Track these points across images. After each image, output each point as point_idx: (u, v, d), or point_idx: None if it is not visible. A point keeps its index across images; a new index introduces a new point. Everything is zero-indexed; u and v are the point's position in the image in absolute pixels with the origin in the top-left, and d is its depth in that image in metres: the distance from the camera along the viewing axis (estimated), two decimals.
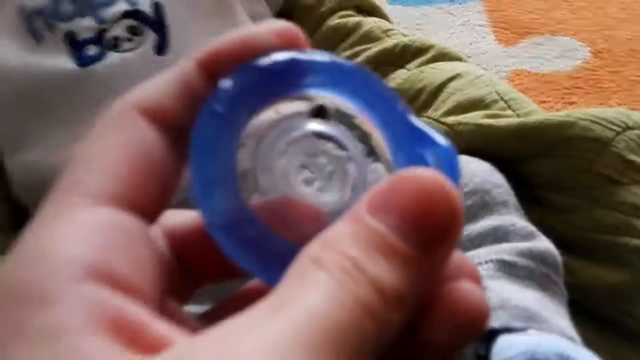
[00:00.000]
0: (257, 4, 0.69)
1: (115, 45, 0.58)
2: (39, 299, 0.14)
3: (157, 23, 0.59)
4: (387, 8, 1.05)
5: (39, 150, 0.57)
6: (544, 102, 0.86)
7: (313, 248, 0.15)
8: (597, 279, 0.50)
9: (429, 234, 0.15)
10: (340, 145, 0.19)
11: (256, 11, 0.68)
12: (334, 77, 0.19)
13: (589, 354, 0.40)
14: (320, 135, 0.19)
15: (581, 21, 0.99)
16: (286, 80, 0.18)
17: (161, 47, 0.58)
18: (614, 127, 0.51)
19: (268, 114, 0.18)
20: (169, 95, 0.18)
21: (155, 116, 0.18)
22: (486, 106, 0.56)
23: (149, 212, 0.17)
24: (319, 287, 0.14)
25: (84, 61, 0.57)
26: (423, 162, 0.18)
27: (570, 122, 0.51)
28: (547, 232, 0.50)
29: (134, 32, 0.58)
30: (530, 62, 0.93)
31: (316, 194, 0.19)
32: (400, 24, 1.02)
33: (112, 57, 0.57)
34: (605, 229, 0.50)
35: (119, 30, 0.58)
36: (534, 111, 0.56)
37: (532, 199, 0.53)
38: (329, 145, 0.19)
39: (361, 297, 0.14)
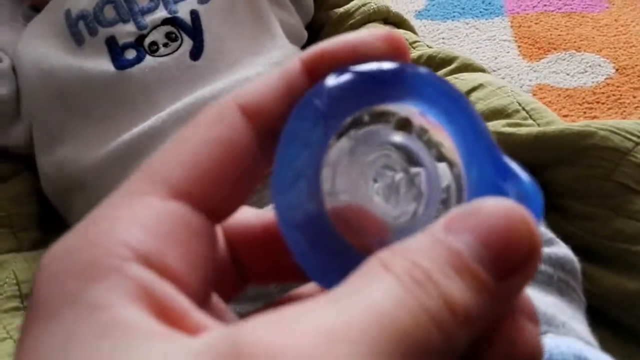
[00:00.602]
0: (289, 15, 0.71)
1: (152, 49, 0.61)
2: (93, 276, 0.15)
3: (193, 30, 0.61)
4: (413, 22, 1.07)
5: (72, 148, 0.59)
6: (566, 116, 0.87)
7: (384, 254, 0.15)
8: (615, 287, 0.51)
9: (506, 263, 0.15)
10: (418, 162, 0.19)
11: (287, 22, 0.70)
12: (430, 94, 0.19)
13: (606, 356, 0.41)
14: (399, 148, 0.19)
15: (605, 38, 1.00)
16: (385, 89, 0.18)
17: (196, 53, 0.61)
18: (633, 138, 0.52)
19: (359, 119, 0.19)
20: (271, 94, 0.18)
21: (255, 114, 0.18)
22: (508, 115, 0.58)
23: (221, 211, 0.18)
24: (385, 287, 0.14)
25: (122, 64, 0.60)
26: (503, 194, 0.18)
27: (589, 131, 0.52)
28: (566, 239, 0.51)
29: (171, 38, 0.61)
30: (553, 77, 0.94)
31: (386, 206, 0.19)
32: (427, 38, 1.04)
33: (149, 61, 0.60)
34: (623, 238, 0.51)
35: (157, 36, 0.61)
36: (555, 121, 0.57)
37: (552, 207, 0.54)
38: (406, 159, 0.19)
39: (430, 307, 0.14)
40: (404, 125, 0.19)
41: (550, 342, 0.41)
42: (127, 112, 0.58)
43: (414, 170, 0.19)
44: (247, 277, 0.21)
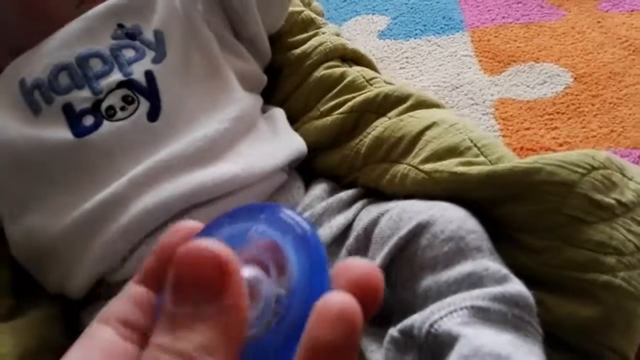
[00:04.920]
0: (247, 63, 0.72)
1: (110, 114, 0.61)
2: None
3: (149, 91, 0.62)
4: (377, 43, 1.09)
5: (38, 216, 0.60)
6: (528, 129, 0.89)
7: None
8: (571, 315, 0.52)
9: None
10: None
11: (245, 70, 0.71)
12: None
13: None
14: None
15: (563, 46, 1.02)
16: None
17: (153, 114, 0.62)
18: (579, 170, 0.54)
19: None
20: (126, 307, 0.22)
21: (122, 324, 0.22)
22: (460, 153, 0.60)
23: None
24: None
25: (80, 132, 0.60)
26: None
27: (536, 168, 0.54)
28: (523, 271, 0.52)
29: (127, 100, 0.62)
30: (514, 90, 0.96)
31: None
32: (391, 58, 1.06)
33: (107, 126, 0.61)
34: (575, 266, 0.53)
35: (113, 100, 0.62)
36: (505, 156, 0.59)
37: (506, 239, 0.56)
38: None
39: None
40: None
41: None
42: (90, 179, 0.59)
43: None
44: None
